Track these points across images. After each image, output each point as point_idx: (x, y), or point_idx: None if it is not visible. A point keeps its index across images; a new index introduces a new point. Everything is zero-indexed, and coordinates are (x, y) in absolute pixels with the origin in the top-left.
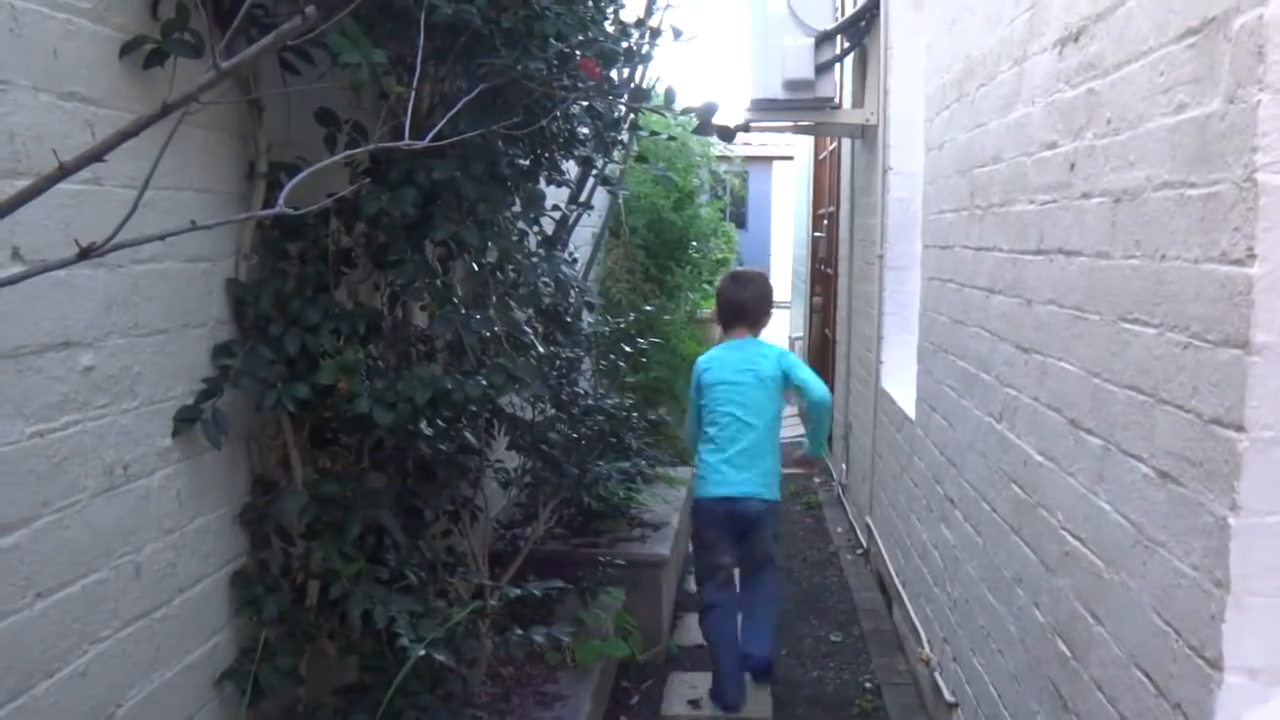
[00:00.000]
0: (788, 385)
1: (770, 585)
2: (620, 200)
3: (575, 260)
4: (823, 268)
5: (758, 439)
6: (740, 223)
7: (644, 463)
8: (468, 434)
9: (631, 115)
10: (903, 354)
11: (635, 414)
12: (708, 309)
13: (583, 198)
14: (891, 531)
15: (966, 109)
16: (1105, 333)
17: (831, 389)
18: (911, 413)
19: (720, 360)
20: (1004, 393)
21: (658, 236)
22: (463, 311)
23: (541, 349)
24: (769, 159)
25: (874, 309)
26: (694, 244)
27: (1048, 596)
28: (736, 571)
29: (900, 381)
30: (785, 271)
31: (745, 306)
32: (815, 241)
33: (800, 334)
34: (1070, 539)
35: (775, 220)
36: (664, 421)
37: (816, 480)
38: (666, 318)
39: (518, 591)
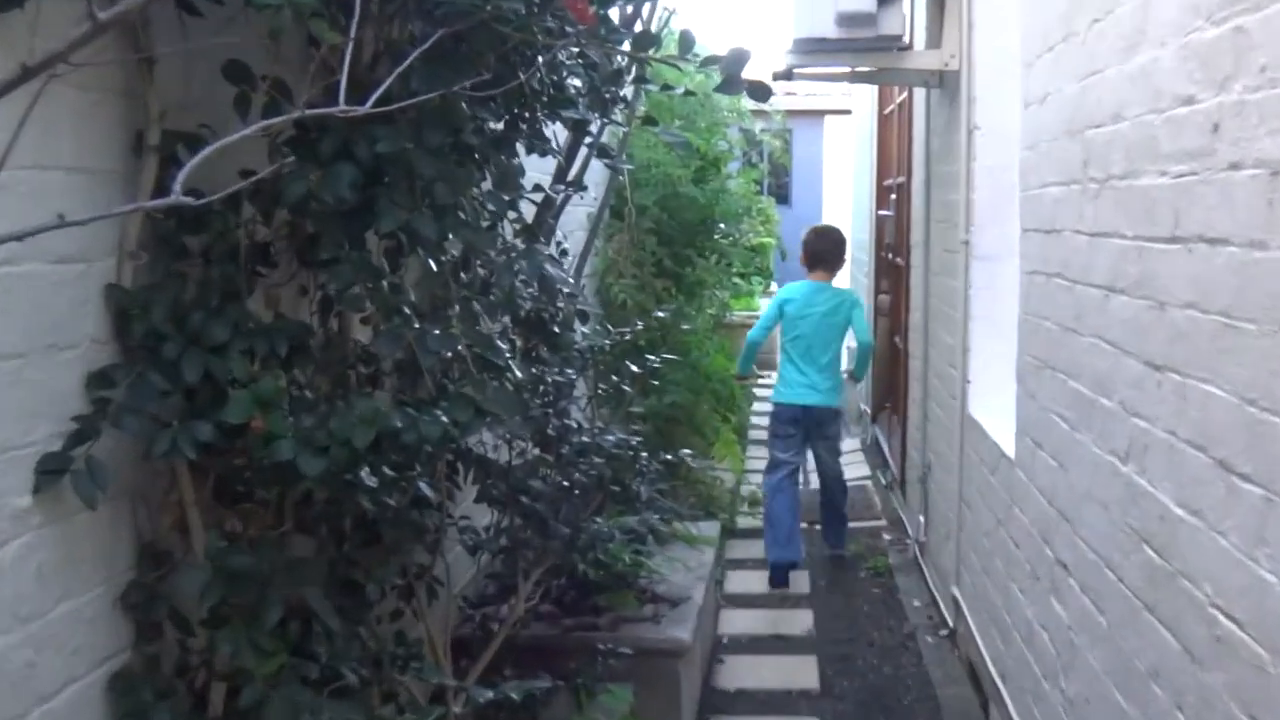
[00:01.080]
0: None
1: (841, 483)
2: (624, 175)
3: (565, 252)
4: (890, 257)
5: (828, 364)
6: (782, 197)
7: (657, 518)
8: (423, 484)
9: (636, 66)
10: (996, 371)
11: (645, 454)
12: (741, 310)
13: (573, 173)
14: (986, 606)
15: (1076, 51)
16: (1264, 347)
17: (903, 417)
18: (1009, 449)
19: (805, 297)
20: (1131, 424)
21: (673, 218)
22: (416, 325)
23: (520, 372)
24: (819, 114)
25: (958, 311)
26: (721, 226)
27: (1194, 697)
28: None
29: (994, 407)
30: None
31: (827, 255)
32: (880, 222)
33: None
34: (1223, 619)
35: (828, 193)
36: (682, 462)
37: (886, 537)
38: (685, 326)
39: (490, 694)
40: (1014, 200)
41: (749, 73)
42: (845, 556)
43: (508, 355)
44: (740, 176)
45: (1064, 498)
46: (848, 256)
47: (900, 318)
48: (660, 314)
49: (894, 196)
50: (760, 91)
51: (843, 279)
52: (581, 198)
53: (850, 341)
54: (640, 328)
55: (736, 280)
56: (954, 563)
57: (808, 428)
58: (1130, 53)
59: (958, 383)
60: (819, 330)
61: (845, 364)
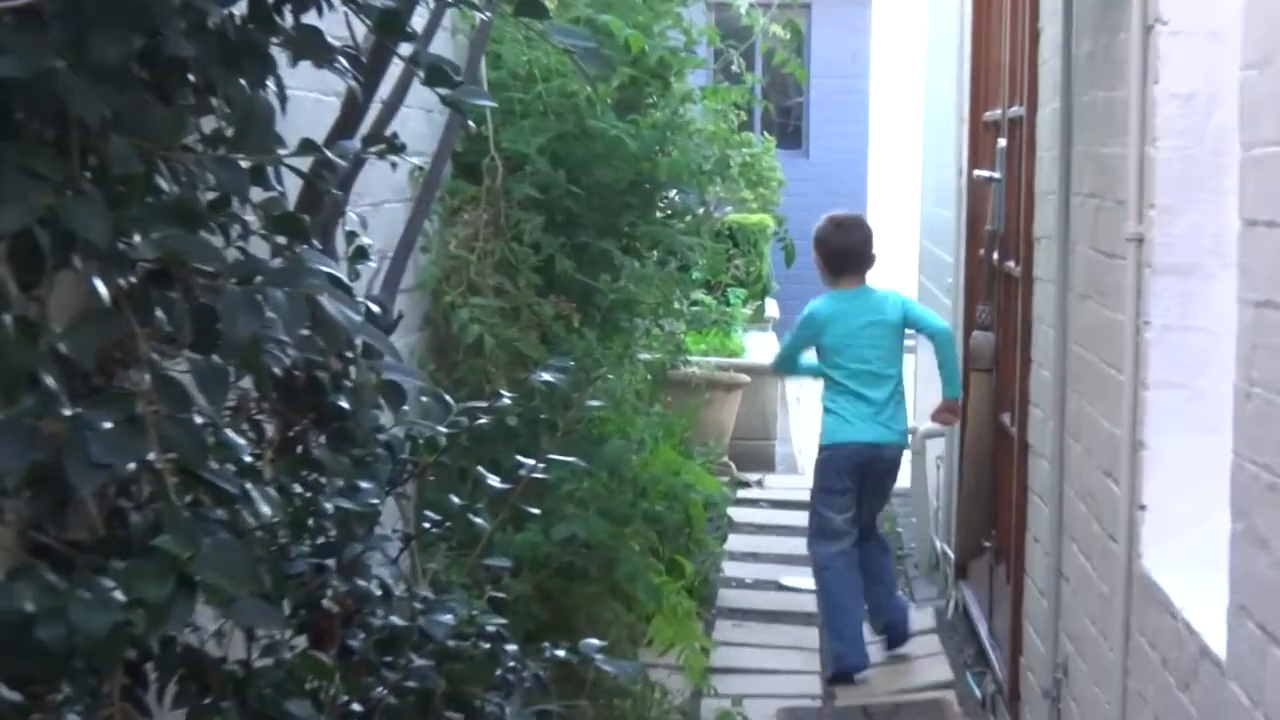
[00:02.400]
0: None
1: (886, 542)
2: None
3: (363, 254)
4: (993, 259)
5: (894, 387)
6: (791, 140)
7: None
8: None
9: None
10: (1194, 489)
11: (512, 646)
12: (709, 354)
13: (376, 109)
14: None
15: None
16: None
17: (1015, 569)
18: (1217, 641)
19: (841, 314)
20: None
21: (578, 178)
22: (67, 410)
23: (266, 504)
24: None
25: (1123, 371)
26: (671, 196)
27: None
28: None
29: (1187, 559)
30: (900, 264)
31: (857, 252)
32: (976, 193)
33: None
34: None
35: (875, 134)
36: (586, 660)
37: None
38: (595, 401)
39: None
40: (1226, 163)
41: None
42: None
43: (248, 459)
44: (708, 99)
45: None
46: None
47: (1012, 376)
48: (548, 376)
49: (1002, 144)
50: None
51: (902, 287)
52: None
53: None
54: (509, 399)
55: (700, 298)
56: None
57: (866, 478)
58: None
59: (1121, 510)
60: (873, 344)
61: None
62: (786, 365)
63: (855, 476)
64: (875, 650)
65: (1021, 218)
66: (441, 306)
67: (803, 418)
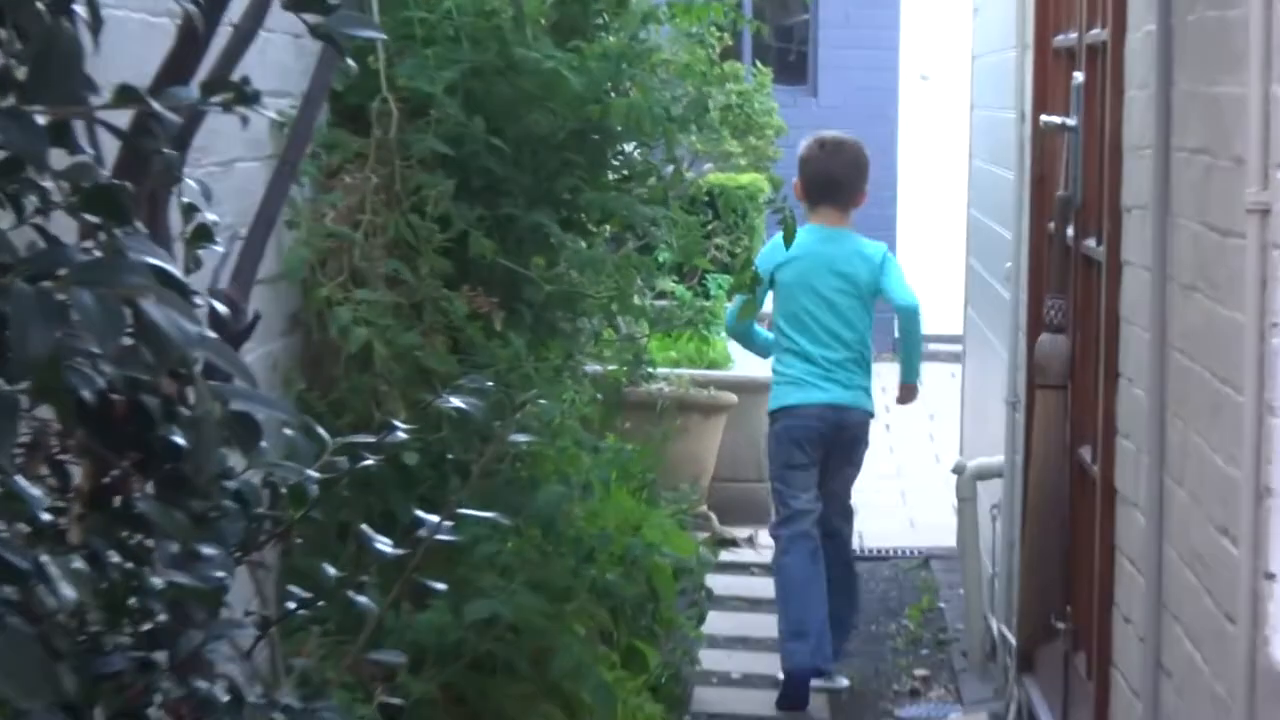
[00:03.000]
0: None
1: (847, 551)
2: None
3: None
4: (1068, 236)
5: (853, 354)
6: (793, 73)
7: None
8: None
9: None
10: None
11: None
12: (681, 366)
13: (223, 40)
14: None
15: None
16: None
17: (1100, 656)
18: None
19: (807, 253)
20: None
21: (502, 127)
22: None
23: (70, 585)
24: None
25: (1244, 387)
26: (630, 150)
27: None
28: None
29: None
30: (941, 240)
31: (836, 179)
32: (1044, 146)
33: (994, 457)
34: None
35: (906, 65)
36: None
37: None
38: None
39: None
40: None
41: None
42: (837, 693)
43: (46, 516)
44: (678, 19)
45: None
46: (899, 197)
47: (1092, 395)
48: (458, 401)
49: (1079, 80)
50: None
51: (943, 285)
52: (265, 72)
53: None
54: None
55: (669, 289)
56: None
57: (829, 449)
58: None
59: (1241, 580)
60: (833, 296)
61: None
62: (741, 328)
63: (818, 447)
64: None
65: (1105, 180)
66: (315, 303)
67: None
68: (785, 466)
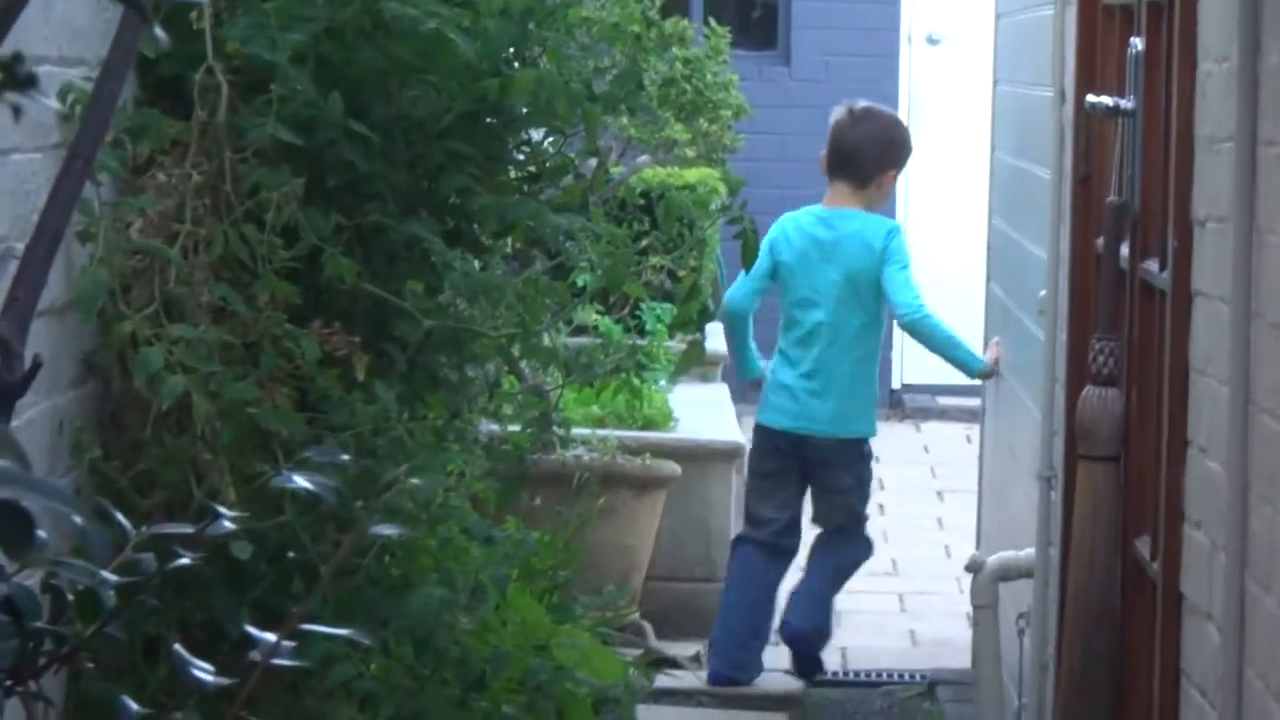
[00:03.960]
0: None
1: (846, 551)
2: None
3: None
4: (1124, 255)
5: (840, 352)
6: (758, 36)
7: None
8: None
9: None
10: None
11: None
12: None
13: None
14: None
15: None
16: None
17: None
18: None
19: (808, 230)
20: None
21: (367, 107)
22: None
23: None
24: None
25: None
26: (539, 139)
27: None
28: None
29: None
30: (957, 256)
31: (849, 151)
32: (1088, 134)
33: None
34: None
35: (909, 26)
36: None
37: None
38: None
39: None
40: None
41: None
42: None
43: None
44: None
45: None
46: (904, 175)
47: (1153, 470)
48: (304, 481)
49: (1138, 48)
50: None
51: (956, 317)
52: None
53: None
54: (231, 519)
55: (593, 319)
56: None
57: (805, 469)
58: None
59: None
60: (837, 288)
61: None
62: (733, 332)
63: (779, 457)
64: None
65: (1172, 183)
66: (116, 342)
67: None
68: (752, 475)
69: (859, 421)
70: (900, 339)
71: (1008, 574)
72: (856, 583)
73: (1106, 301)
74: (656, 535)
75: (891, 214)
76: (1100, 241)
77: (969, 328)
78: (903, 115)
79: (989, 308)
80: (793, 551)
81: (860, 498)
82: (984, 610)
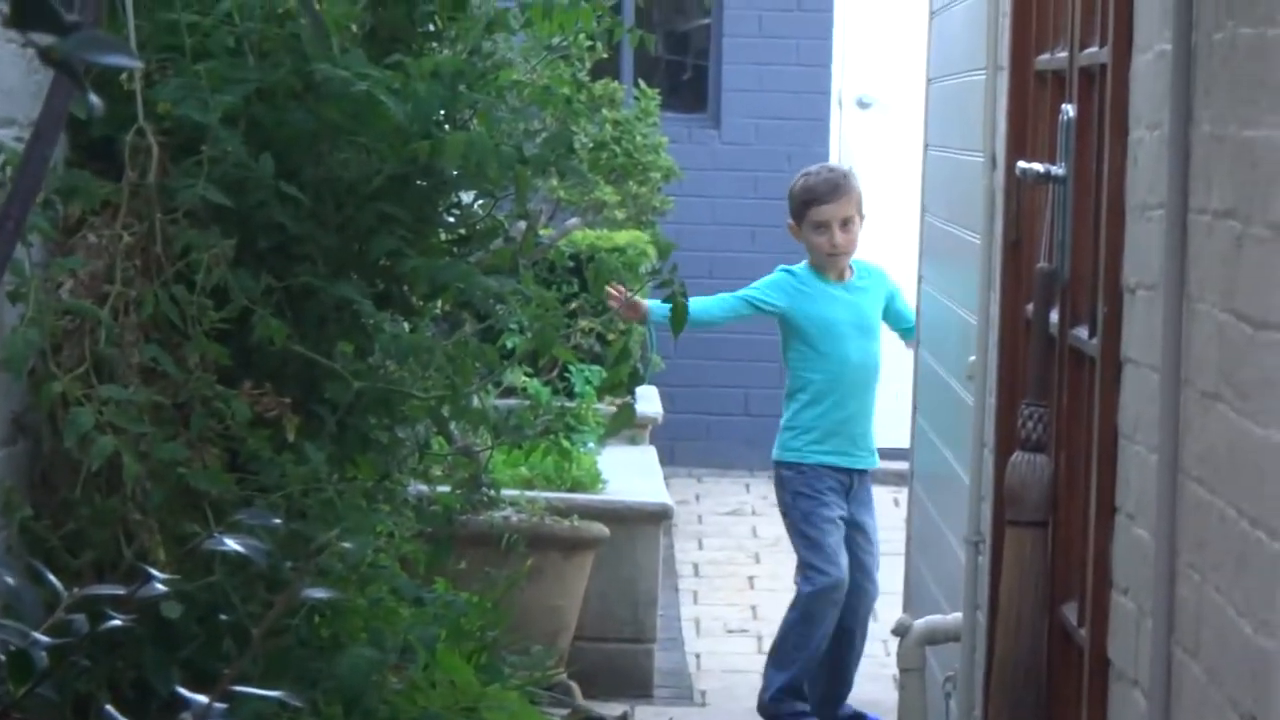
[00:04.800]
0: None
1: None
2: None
3: None
4: (1054, 322)
5: (868, 397)
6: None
7: None
8: None
9: None
10: None
11: None
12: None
13: None
14: None
15: None
16: None
17: None
18: None
19: (815, 288)
20: None
21: (298, 169)
22: None
23: None
24: None
25: None
26: (469, 201)
27: None
28: None
29: None
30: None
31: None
32: (1019, 200)
33: (949, 615)
34: None
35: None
36: None
37: None
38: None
39: None
40: None
41: None
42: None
43: None
44: (536, 26)
45: None
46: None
47: (1080, 537)
48: (234, 544)
49: (1069, 114)
50: None
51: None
52: None
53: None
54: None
55: (522, 381)
56: None
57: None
58: None
59: None
60: (856, 338)
61: None
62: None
63: (840, 497)
64: None
65: (1102, 249)
66: (45, 402)
67: (708, 592)
68: (817, 518)
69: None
70: None
71: (935, 637)
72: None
73: (1036, 367)
74: (584, 596)
75: None
76: (1030, 307)
77: (898, 391)
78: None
79: (918, 371)
80: None
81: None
82: (910, 673)
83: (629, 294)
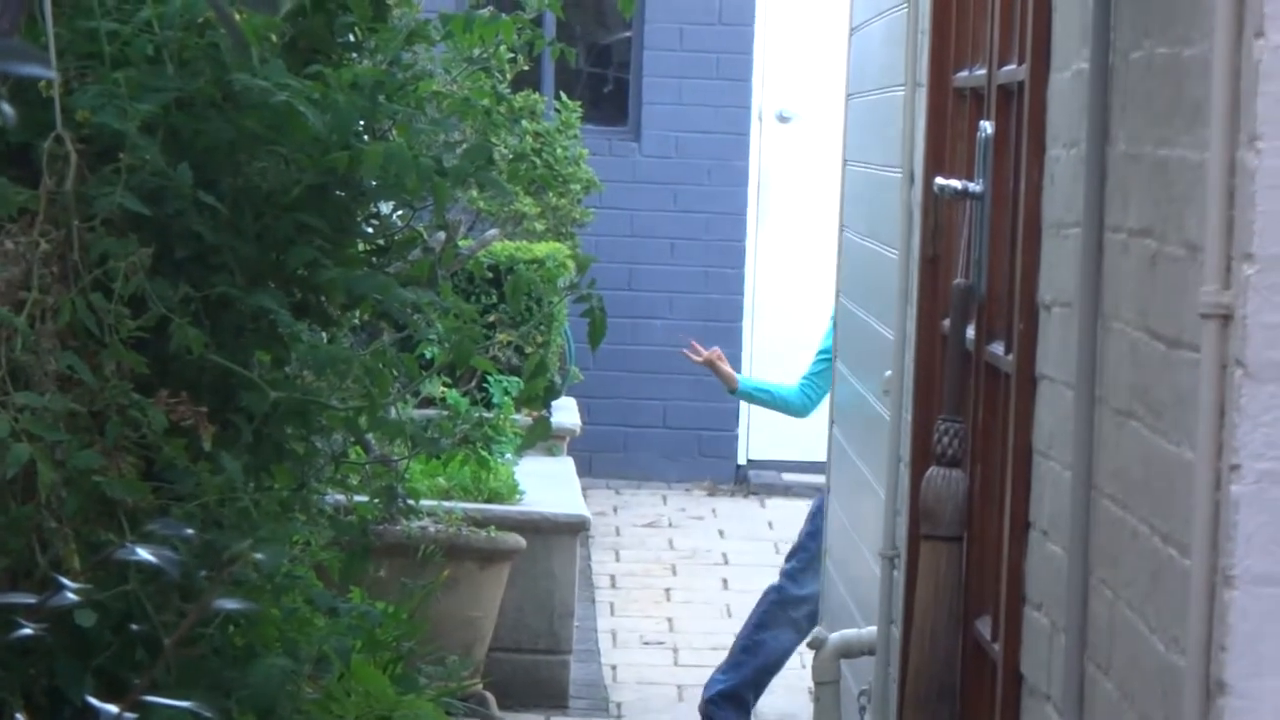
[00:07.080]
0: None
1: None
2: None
3: None
4: (971, 336)
5: None
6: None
7: None
8: None
9: None
10: None
11: None
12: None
13: None
14: None
15: None
16: None
17: None
18: None
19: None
20: None
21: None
22: None
23: None
24: None
25: (1192, 547)
26: (387, 212)
27: None
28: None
29: None
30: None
31: None
32: (937, 216)
33: (864, 629)
34: None
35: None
36: None
37: None
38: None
39: None
40: None
41: None
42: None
43: None
44: (456, 38)
45: None
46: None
47: (994, 551)
48: (146, 554)
49: (987, 131)
50: None
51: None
52: None
53: None
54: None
55: (440, 391)
56: None
57: None
58: None
59: None
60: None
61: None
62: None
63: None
64: None
65: (1018, 267)
66: None
67: (625, 604)
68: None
69: None
70: (745, 416)
71: (850, 651)
72: (694, 656)
73: (951, 383)
74: (501, 607)
75: (739, 291)
76: (947, 323)
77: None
78: (752, 192)
79: (835, 387)
80: None
81: None
82: (826, 686)
83: (719, 358)
